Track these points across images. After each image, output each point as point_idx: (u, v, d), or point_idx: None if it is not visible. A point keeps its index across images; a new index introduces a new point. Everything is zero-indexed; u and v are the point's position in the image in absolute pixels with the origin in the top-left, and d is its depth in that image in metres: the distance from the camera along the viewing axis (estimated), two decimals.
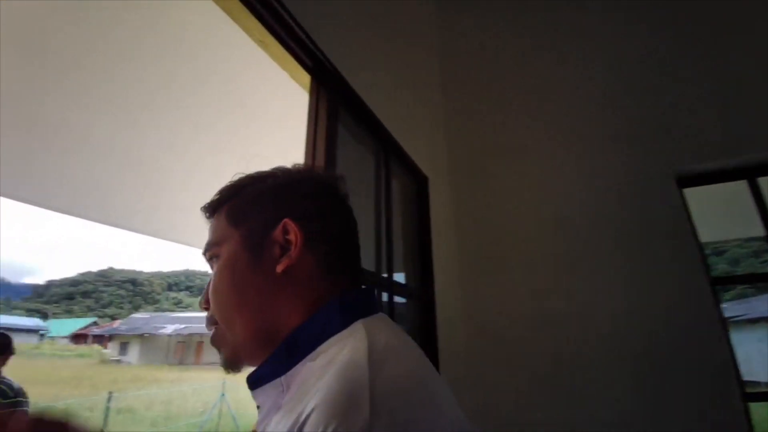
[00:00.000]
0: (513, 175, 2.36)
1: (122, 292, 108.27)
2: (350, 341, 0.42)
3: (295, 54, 1.18)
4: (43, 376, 15.72)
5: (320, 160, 1.14)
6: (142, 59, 1.77)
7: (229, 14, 1.04)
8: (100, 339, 41.05)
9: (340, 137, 1.25)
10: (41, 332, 42.05)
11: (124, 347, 31.56)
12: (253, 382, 0.47)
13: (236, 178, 0.57)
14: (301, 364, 0.44)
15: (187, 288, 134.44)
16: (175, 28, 1.63)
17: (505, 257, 2.24)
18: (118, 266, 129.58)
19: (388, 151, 1.68)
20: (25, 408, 2.31)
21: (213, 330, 0.52)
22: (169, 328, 31.31)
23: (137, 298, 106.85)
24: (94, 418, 7.96)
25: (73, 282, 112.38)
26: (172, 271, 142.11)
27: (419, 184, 2.02)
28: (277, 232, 0.49)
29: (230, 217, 0.53)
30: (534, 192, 2.28)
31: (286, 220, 0.49)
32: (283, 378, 0.44)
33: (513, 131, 2.43)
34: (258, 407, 0.48)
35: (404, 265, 1.77)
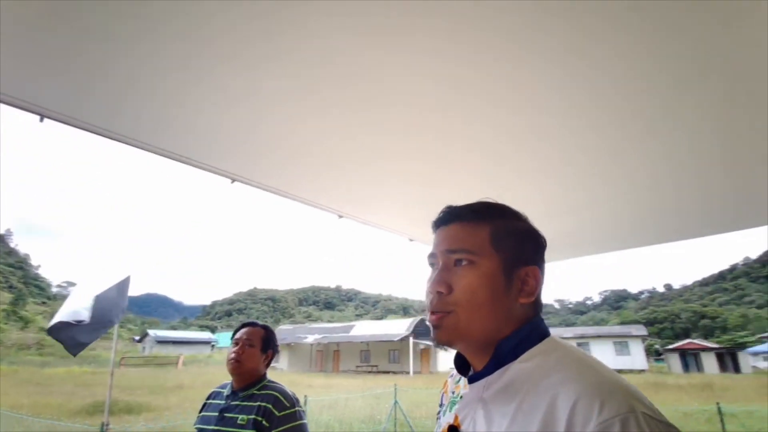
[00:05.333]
0: None
1: (265, 308, 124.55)
2: (559, 350, 0.66)
3: None
4: (221, 380, 17.61)
5: None
6: None
7: None
8: None
9: None
10: (212, 343, 49.79)
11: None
12: (472, 379, 0.71)
13: (487, 200, 0.76)
14: (505, 367, 0.66)
15: (314, 302, 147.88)
16: None
17: None
18: (260, 286, 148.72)
19: None
20: (303, 414, 1.67)
21: (440, 315, 0.69)
22: (310, 338, 33.54)
23: (276, 312, 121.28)
24: None
25: (230, 301, 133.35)
26: (301, 288, 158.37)
27: None
28: (524, 272, 0.70)
29: (493, 238, 0.70)
30: None
31: (536, 267, 0.71)
32: (484, 380, 0.68)
33: None
34: (460, 397, 0.77)
35: None
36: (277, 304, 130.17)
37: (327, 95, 1.29)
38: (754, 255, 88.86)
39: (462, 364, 0.78)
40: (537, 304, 0.72)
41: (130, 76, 1.19)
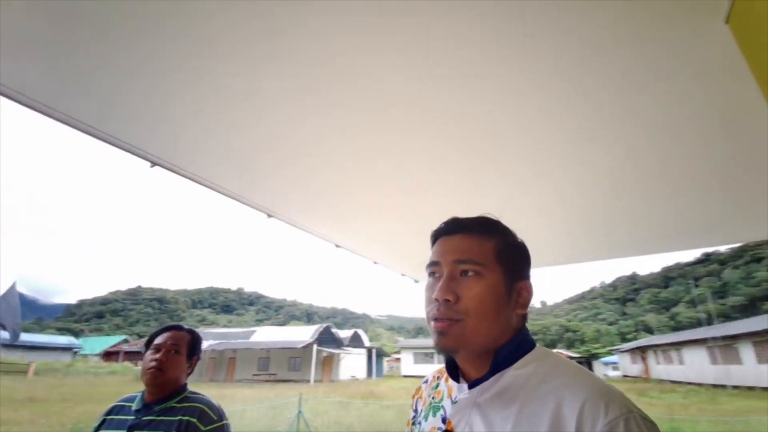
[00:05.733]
0: None
1: (149, 309, 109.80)
2: (550, 357, 0.73)
3: None
4: (85, 393, 15.04)
5: None
6: None
7: None
8: (131, 356, 40.94)
9: None
10: (75, 350, 42.14)
11: None
12: (472, 385, 0.73)
13: (487, 216, 0.81)
14: (500, 373, 0.71)
15: (211, 305, 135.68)
16: None
17: None
18: (146, 284, 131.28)
19: None
20: (229, 427, 1.52)
21: (447, 323, 0.71)
22: (204, 344, 30.58)
23: (163, 315, 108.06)
24: None
25: (104, 301, 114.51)
26: (197, 289, 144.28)
27: None
28: (520, 286, 0.76)
29: (497, 252, 0.75)
30: None
31: (528, 281, 0.78)
32: (480, 386, 0.72)
33: None
34: (454, 402, 0.77)
35: None
36: (166, 305, 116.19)
37: (286, 96, 1.23)
38: (609, 280, 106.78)
39: (452, 371, 0.80)
40: (526, 316, 0.78)
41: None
